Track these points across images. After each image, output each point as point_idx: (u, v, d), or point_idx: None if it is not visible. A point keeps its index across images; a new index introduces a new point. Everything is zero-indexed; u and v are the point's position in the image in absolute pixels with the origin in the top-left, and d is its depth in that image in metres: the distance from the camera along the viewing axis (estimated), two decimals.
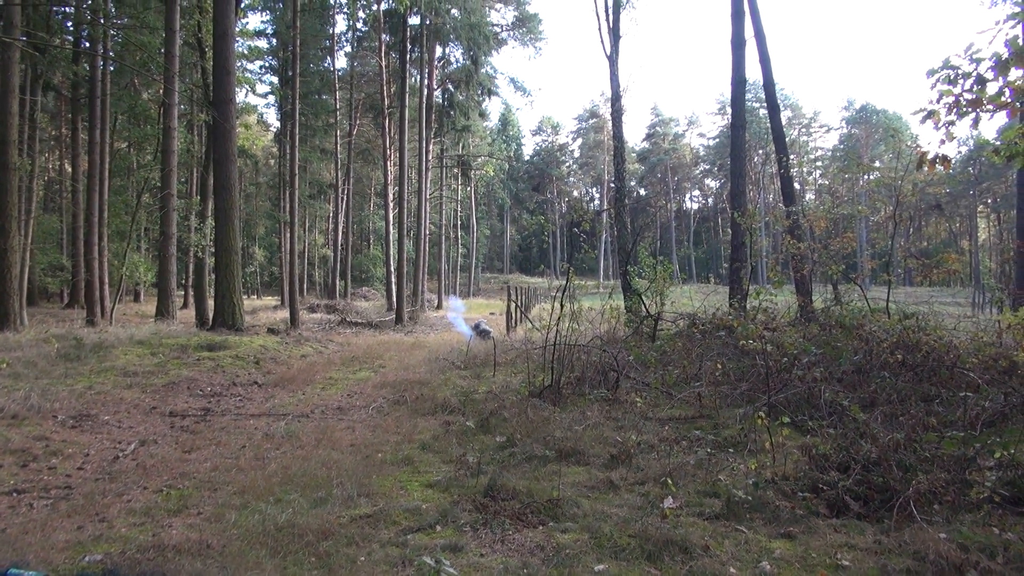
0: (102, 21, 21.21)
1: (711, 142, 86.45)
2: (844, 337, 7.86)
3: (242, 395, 9.28)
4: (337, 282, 39.03)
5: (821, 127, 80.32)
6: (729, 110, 16.40)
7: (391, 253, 30.79)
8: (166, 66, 17.05)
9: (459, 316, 25.05)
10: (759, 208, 63.23)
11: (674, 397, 7.41)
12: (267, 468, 5.54)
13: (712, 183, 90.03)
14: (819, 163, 78.87)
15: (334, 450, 6.11)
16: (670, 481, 4.72)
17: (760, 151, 71.62)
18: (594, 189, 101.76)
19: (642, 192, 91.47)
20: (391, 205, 33.36)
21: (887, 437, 4.76)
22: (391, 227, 32.71)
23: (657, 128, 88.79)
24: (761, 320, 9.30)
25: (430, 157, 37.50)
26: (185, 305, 30.69)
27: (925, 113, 4.02)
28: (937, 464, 4.44)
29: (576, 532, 4.01)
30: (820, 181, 77.61)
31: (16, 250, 14.60)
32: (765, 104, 15.60)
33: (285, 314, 25.40)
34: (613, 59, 18.50)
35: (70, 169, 28.63)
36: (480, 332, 17.94)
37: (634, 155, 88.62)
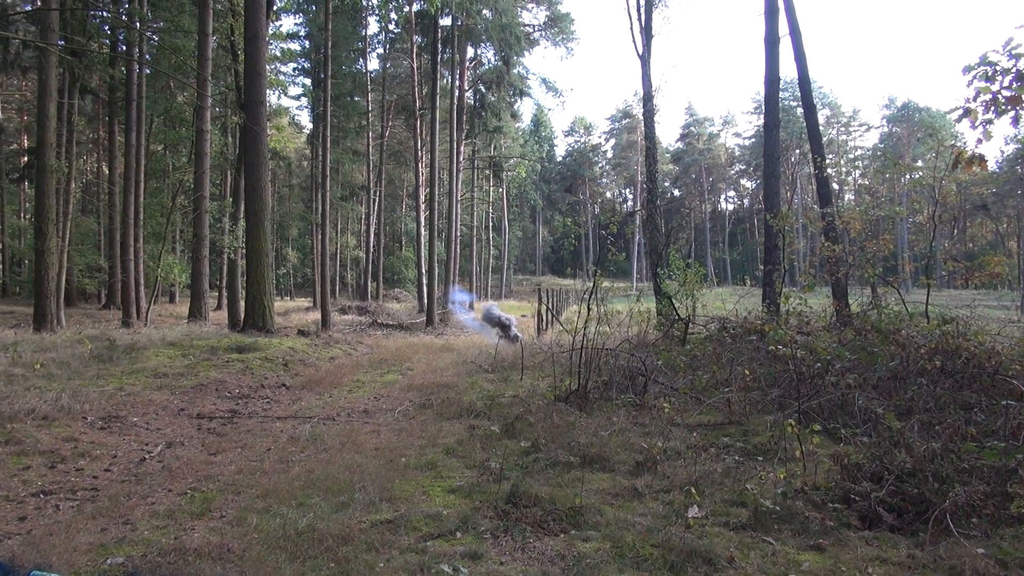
0: (138, 25, 21.67)
1: (747, 142, 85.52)
2: (880, 342, 7.68)
3: (269, 397, 9.38)
4: (369, 284, 39.36)
5: (860, 126, 78.96)
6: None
7: (422, 255, 30.97)
8: (199, 69, 17.35)
9: (464, 308, 24.83)
10: (796, 210, 62.42)
11: (703, 403, 7.31)
12: (291, 471, 5.58)
13: (748, 183, 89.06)
14: (858, 163, 77.58)
15: (358, 454, 6.12)
16: (695, 490, 4.64)
17: (797, 151, 70.66)
18: (627, 190, 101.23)
19: (676, 193, 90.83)
20: (422, 207, 33.57)
21: (923, 447, 4.63)
22: (422, 229, 32.91)
23: (691, 128, 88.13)
24: (794, 324, 9.14)
25: (461, 158, 37.65)
26: (218, 306, 31.18)
27: (961, 111, 3.90)
28: (976, 475, 4.30)
29: (598, 541, 3.96)
30: (859, 181, 76.29)
31: (53, 252, 14.96)
32: (801, 103, 15.36)
33: (316, 316, 25.68)
34: (645, 58, 18.37)
35: (107, 171, 29.26)
36: (495, 322, 18.17)
37: (668, 155, 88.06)
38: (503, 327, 18.05)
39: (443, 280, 32.13)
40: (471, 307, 22.33)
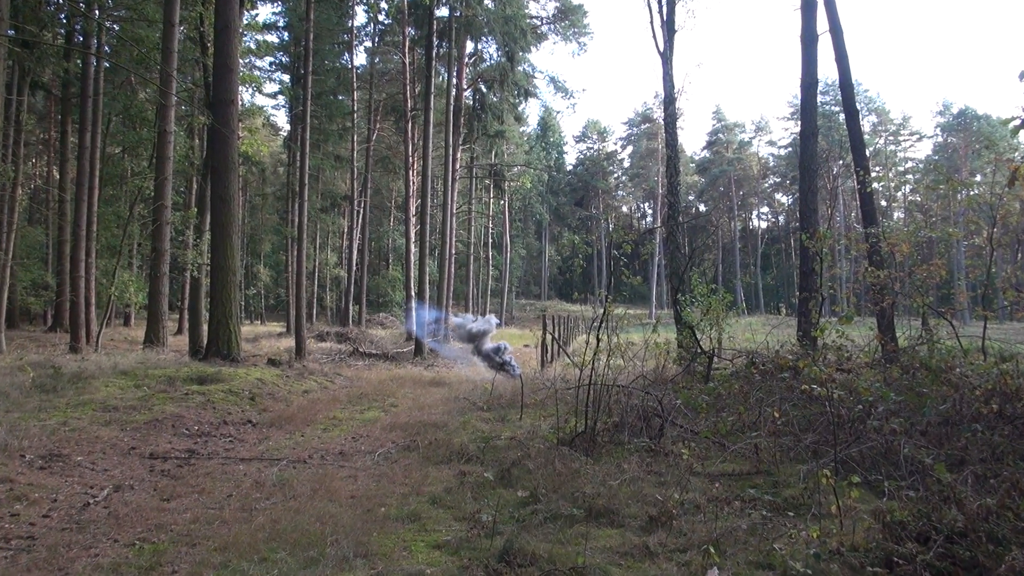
0: (97, 13, 21.92)
1: (782, 151, 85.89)
2: (930, 382, 7.65)
3: (233, 435, 9.37)
4: (351, 307, 39.40)
5: (911, 135, 79.18)
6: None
7: (412, 275, 31.07)
8: (163, 63, 17.51)
9: (423, 327, 24.51)
10: (836, 229, 62.52)
11: (727, 449, 7.29)
12: (254, 521, 5.56)
13: (783, 198, 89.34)
14: (908, 176, 77.77)
15: (331, 502, 6.11)
16: (715, 549, 4.61)
17: (839, 162, 70.98)
18: (646, 204, 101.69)
19: (701, 208, 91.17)
20: (413, 220, 33.69)
21: (977, 503, 4.60)
22: (412, 245, 33.01)
23: (719, 135, 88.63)
24: (832, 360, 9.12)
25: (458, 166, 37.93)
26: (179, 331, 31.23)
27: (1019, 121, 3.93)
28: None
29: None
30: (909, 198, 76.49)
31: None
32: (843, 108, 15.46)
33: (290, 343, 25.69)
34: (667, 56, 18.51)
35: (58, 176, 29.48)
36: (474, 340, 18.62)
37: (692, 166, 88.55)
38: (487, 353, 18.24)
39: (435, 303, 32.18)
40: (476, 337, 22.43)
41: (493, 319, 24.10)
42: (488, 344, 21.59)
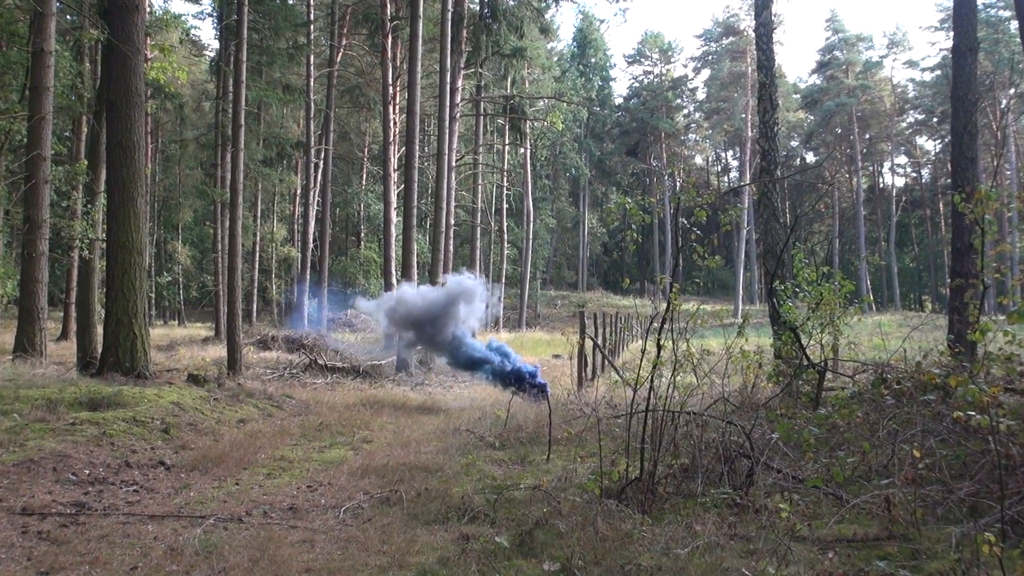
0: None
1: (927, 75, 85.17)
2: None
3: (139, 483, 9.40)
4: (306, 301, 39.52)
5: None
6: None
7: (393, 255, 31.10)
8: None
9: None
10: (1007, 187, 61.98)
11: (846, 503, 7.24)
12: None
13: (929, 143, 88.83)
14: None
15: None
16: None
17: (1010, 91, 70.29)
18: (728, 153, 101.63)
19: (809, 158, 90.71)
20: (394, 177, 33.71)
21: None
22: (394, 212, 33.02)
23: (835, 53, 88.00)
24: (997, 376, 9.03)
25: (459, 100, 37.86)
26: (63, 335, 31.43)
27: None
28: None
29: None
30: None
31: None
32: (1016, 14, 15.29)
33: (220, 352, 25.81)
34: None
35: None
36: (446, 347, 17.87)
37: (796, 98, 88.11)
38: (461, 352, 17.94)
39: None
40: None
41: (470, 280, 21.32)
42: (457, 332, 19.94)
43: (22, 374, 15.20)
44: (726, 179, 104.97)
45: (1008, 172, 69.73)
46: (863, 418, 9.17)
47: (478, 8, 37.54)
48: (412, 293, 20.72)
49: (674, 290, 8.94)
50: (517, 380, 18.08)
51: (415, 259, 26.65)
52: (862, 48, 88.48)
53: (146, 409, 12.64)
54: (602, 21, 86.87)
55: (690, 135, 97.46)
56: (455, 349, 19.35)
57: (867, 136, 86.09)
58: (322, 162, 41.93)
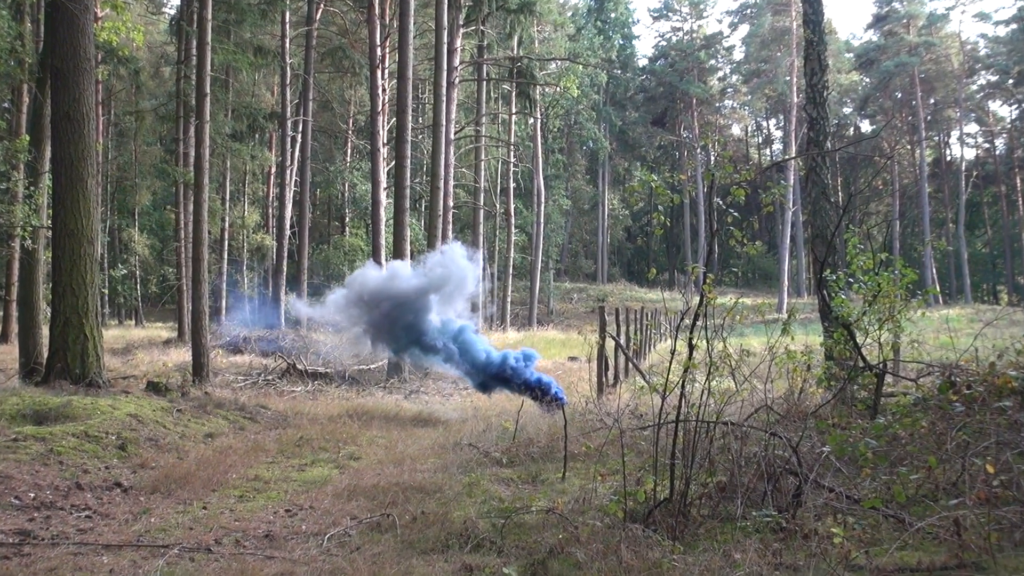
0: None
1: (1002, 30, 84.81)
2: None
3: (92, 507, 9.41)
4: (283, 296, 39.57)
5: None
6: None
7: (382, 243, 31.13)
8: None
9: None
10: None
11: (908, 527, 7.25)
12: None
13: (1005, 109, 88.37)
14: None
15: None
16: None
17: None
18: (770, 121, 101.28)
19: (864, 127, 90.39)
20: (383, 152, 33.71)
21: None
22: (383, 193, 33.04)
23: (895, 5, 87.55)
24: None
25: (458, 62, 37.83)
26: (4, 337, 31.47)
27: None
28: None
29: None
30: None
31: None
32: None
33: (184, 355, 25.87)
34: None
35: None
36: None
37: (849, 57, 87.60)
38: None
39: None
40: None
41: (457, 253, 19.68)
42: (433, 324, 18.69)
43: None
44: (768, 152, 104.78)
45: None
46: (928, 428, 9.16)
47: None
48: (377, 277, 19.97)
49: (708, 281, 8.93)
50: (526, 388, 17.92)
51: (408, 247, 26.64)
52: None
53: (99, 422, 12.66)
54: None
55: (726, 101, 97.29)
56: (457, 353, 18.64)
57: (932, 101, 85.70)
58: (300, 136, 41.93)
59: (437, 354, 18.77)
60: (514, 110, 53.15)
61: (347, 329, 20.75)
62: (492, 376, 18.61)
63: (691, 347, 8.66)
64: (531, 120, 57.31)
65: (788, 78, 77.52)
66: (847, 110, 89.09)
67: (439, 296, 18.56)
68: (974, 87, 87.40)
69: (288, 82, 39.42)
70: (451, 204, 37.96)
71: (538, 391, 17.72)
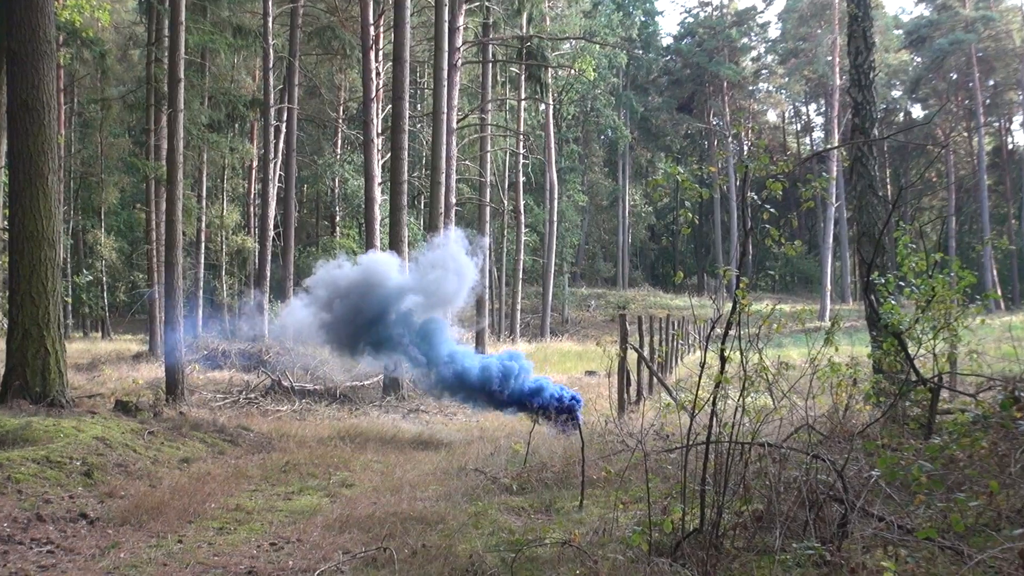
0: None
1: None
2: None
3: (55, 542, 9.41)
4: (266, 303, 39.57)
5: None
6: None
7: (377, 243, 31.13)
8: None
9: None
10: None
11: (968, 560, 7.23)
12: None
13: None
14: None
15: None
16: None
17: None
18: (810, 107, 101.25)
19: (915, 112, 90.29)
20: (377, 143, 33.72)
21: None
22: (377, 190, 33.03)
23: None
24: None
25: (460, 42, 37.82)
26: None
27: None
28: None
29: None
30: None
31: None
32: None
33: (157, 371, 25.89)
34: None
35: None
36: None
37: (898, 35, 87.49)
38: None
39: None
40: None
41: (455, 248, 19.03)
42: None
43: None
44: (807, 141, 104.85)
45: None
46: (989, 449, 9.14)
47: None
48: (351, 277, 19.00)
49: (742, 286, 8.93)
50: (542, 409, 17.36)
51: (406, 248, 26.61)
52: None
53: (62, 446, 12.66)
54: None
55: (760, 84, 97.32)
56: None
57: (991, 83, 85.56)
58: (285, 126, 41.94)
59: (395, 349, 18.47)
60: (523, 96, 53.16)
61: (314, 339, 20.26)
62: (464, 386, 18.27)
63: (723, 359, 8.64)
64: (542, 107, 57.31)
65: (830, 58, 77.52)
66: (896, 93, 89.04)
67: (431, 301, 18.34)
68: None
69: (271, 66, 39.40)
70: (453, 201, 37.87)
71: (544, 406, 17.23)
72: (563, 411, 17.56)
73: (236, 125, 47.60)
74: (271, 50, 38.60)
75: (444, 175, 33.80)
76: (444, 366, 18.14)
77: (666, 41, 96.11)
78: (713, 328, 8.90)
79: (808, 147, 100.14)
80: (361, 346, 19.00)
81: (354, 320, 18.23)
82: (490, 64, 46.67)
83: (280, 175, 42.56)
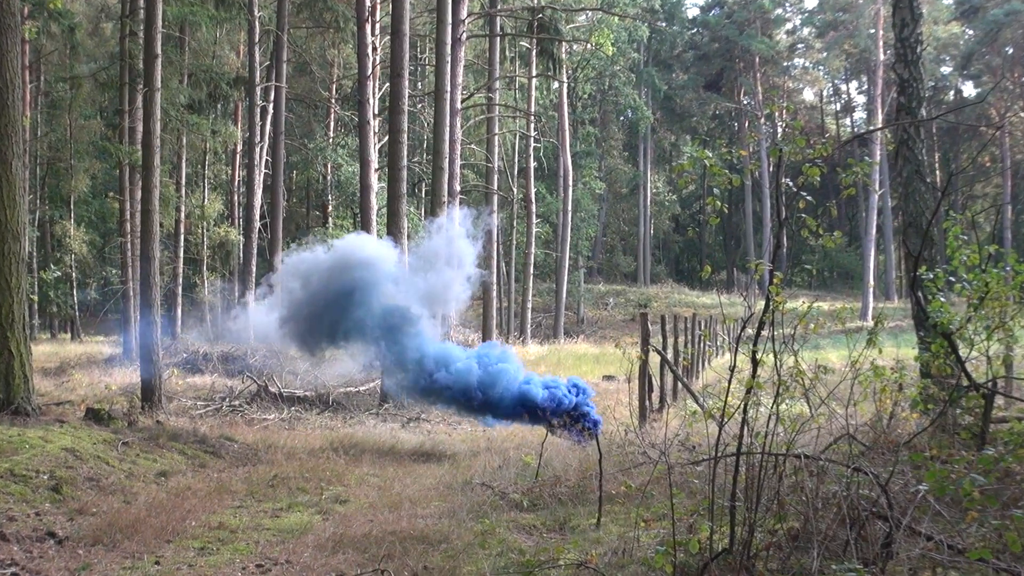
0: None
1: None
2: None
3: (19, 563, 9.41)
4: (252, 302, 39.60)
5: None
6: None
7: (373, 234, 31.12)
8: None
9: None
10: None
11: None
12: None
13: None
14: None
15: None
16: None
17: None
18: (851, 85, 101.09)
19: (967, 91, 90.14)
20: (373, 125, 33.72)
21: None
22: (373, 176, 33.03)
23: None
24: None
25: (465, 14, 37.83)
26: None
27: None
28: None
29: None
30: None
31: None
32: None
33: (131, 376, 25.90)
34: None
35: None
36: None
37: (947, 4, 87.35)
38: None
39: None
40: None
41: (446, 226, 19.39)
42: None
43: None
44: (848, 122, 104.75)
45: None
46: None
47: None
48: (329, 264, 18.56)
49: (776, 282, 8.90)
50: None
51: (406, 240, 26.59)
52: None
53: (28, 459, 12.67)
54: None
55: (796, 60, 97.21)
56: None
57: None
58: (272, 106, 41.95)
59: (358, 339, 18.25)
60: (535, 73, 53.11)
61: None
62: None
63: (755, 363, 8.62)
64: (556, 85, 57.27)
65: (872, 31, 77.50)
66: (946, 70, 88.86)
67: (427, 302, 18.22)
68: None
69: (257, 40, 39.44)
70: (457, 188, 37.92)
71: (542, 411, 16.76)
72: (563, 415, 16.86)
73: (219, 105, 47.68)
74: (257, 23, 38.68)
75: (447, 160, 33.84)
76: (413, 364, 17.87)
77: (692, 12, 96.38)
78: (744, 328, 8.87)
79: (848, 129, 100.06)
80: (319, 336, 18.73)
81: (313, 303, 17.98)
82: (498, 38, 46.67)
83: (267, 160, 42.57)
